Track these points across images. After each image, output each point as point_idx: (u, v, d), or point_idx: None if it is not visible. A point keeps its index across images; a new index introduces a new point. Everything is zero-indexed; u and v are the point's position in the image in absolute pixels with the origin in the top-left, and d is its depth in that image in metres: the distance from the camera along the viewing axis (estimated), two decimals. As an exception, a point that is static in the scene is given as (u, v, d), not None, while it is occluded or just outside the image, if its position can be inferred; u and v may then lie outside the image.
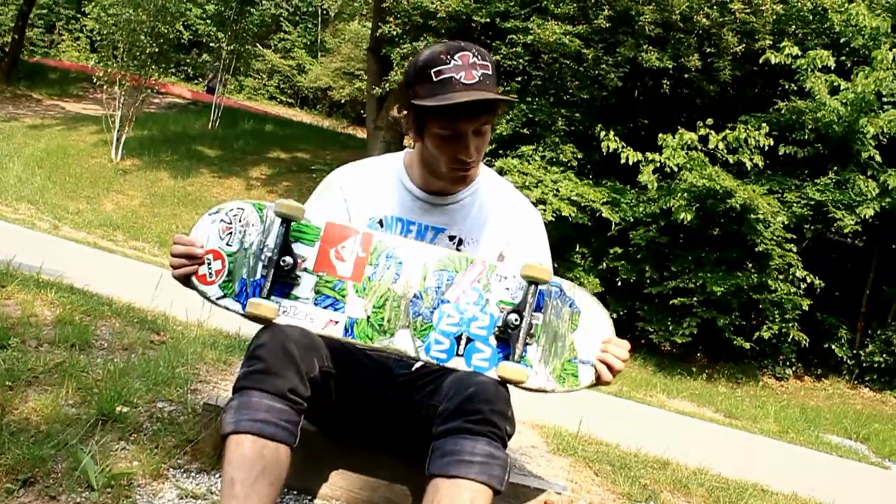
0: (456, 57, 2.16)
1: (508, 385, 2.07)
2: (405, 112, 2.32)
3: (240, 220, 2.15)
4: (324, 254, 2.13)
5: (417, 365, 2.38)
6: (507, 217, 2.40)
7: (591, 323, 2.15)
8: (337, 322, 2.11)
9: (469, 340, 2.10)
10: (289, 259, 2.08)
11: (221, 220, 2.15)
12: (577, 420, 3.92)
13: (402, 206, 2.38)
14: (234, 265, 2.13)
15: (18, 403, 2.59)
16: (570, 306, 2.14)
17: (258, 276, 2.12)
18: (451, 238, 2.37)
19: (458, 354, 2.10)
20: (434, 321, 2.10)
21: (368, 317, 2.11)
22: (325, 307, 2.11)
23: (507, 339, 2.08)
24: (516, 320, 2.06)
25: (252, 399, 2.00)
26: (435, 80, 2.15)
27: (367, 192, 2.41)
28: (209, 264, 2.13)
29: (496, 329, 2.10)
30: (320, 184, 2.48)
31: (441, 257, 2.14)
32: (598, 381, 2.15)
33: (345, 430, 2.42)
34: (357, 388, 2.31)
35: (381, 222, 2.37)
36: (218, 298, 2.13)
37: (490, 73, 2.18)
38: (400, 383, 2.35)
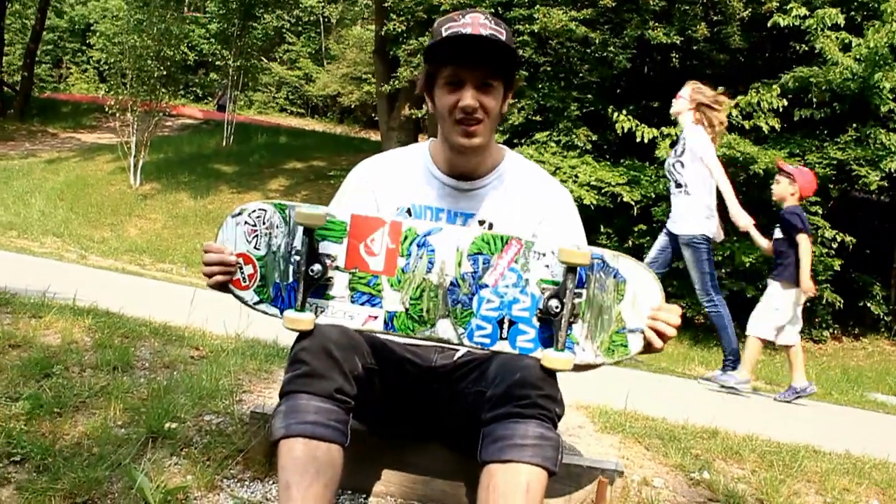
0: (467, 17, 2.18)
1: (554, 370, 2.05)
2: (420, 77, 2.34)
3: (263, 222, 2.15)
4: (353, 250, 2.11)
5: (460, 353, 2.37)
6: (536, 198, 2.39)
7: (637, 290, 2.11)
8: (376, 317, 2.10)
9: (512, 323, 2.08)
10: (317, 267, 2.06)
11: (246, 223, 2.15)
12: (621, 399, 3.90)
13: (430, 194, 2.38)
14: (266, 269, 2.13)
15: (69, 429, 2.62)
16: (615, 276, 2.10)
17: (291, 279, 2.11)
18: (481, 223, 2.35)
19: (501, 338, 2.09)
20: (474, 307, 2.09)
21: (407, 309, 2.10)
22: (363, 304, 2.11)
23: (549, 321, 2.07)
24: (557, 307, 2.03)
25: (300, 402, 2.00)
26: (444, 35, 2.17)
27: (393, 181, 2.40)
28: (241, 269, 2.13)
29: (538, 310, 2.08)
30: (346, 179, 2.48)
31: (475, 238, 2.11)
32: (649, 349, 2.13)
33: (392, 426, 2.42)
34: (401, 382, 2.31)
35: (409, 211, 2.37)
36: (255, 303, 2.13)
37: (502, 34, 2.19)
38: (443, 373, 2.34)
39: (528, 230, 2.34)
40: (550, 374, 2.03)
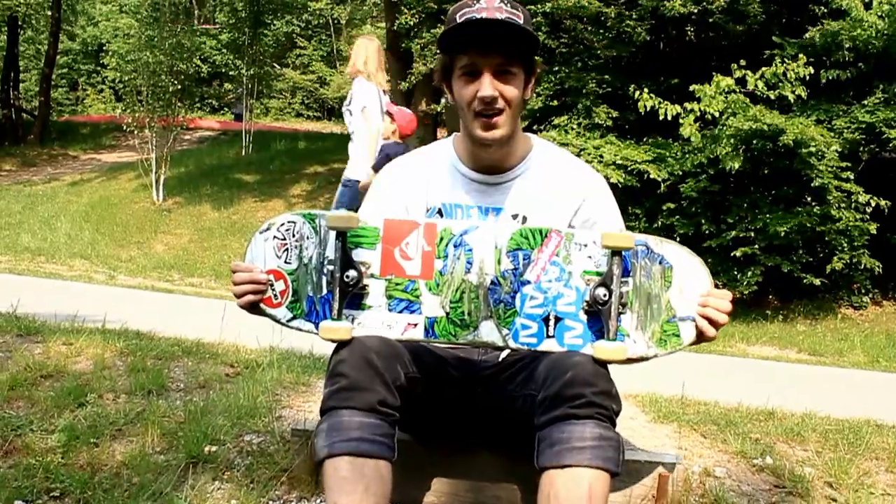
0: (482, 1, 2.09)
1: (605, 364, 1.94)
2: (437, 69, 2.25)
3: (293, 235, 2.04)
4: (388, 255, 2.02)
5: (504, 354, 2.27)
6: (570, 186, 2.27)
7: (685, 277, 2.01)
8: (416, 325, 2.01)
9: (558, 319, 1.98)
10: (352, 273, 1.96)
11: (274, 237, 2.05)
12: (668, 384, 3.79)
13: (459, 191, 2.27)
14: (298, 283, 2.03)
15: (107, 459, 2.55)
16: (661, 263, 2.00)
17: (324, 291, 2.01)
18: (514, 217, 2.25)
19: (548, 336, 1.99)
20: (517, 306, 1.99)
21: (448, 313, 2.00)
22: (401, 311, 2.01)
23: (597, 312, 1.96)
24: (605, 295, 1.93)
25: (342, 419, 1.91)
26: (458, 21, 2.08)
27: (420, 182, 2.30)
28: (272, 286, 2.03)
29: (584, 303, 1.98)
30: (371, 185, 2.38)
31: (513, 234, 2.01)
32: (701, 338, 2.02)
33: (438, 434, 2.33)
34: (445, 389, 2.21)
35: (440, 211, 2.27)
36: (289, 320, 2.03)
37: (519, 17, 2.09)
38: (488, 376, 2.24)
39: (565, 220, 2.24)
40: (603, 368, 1.93)
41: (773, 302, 12.46)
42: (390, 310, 2.01)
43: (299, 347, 4.09)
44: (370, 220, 2.03)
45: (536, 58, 2.18)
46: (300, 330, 2.04)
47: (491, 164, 2.25)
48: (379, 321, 2.00)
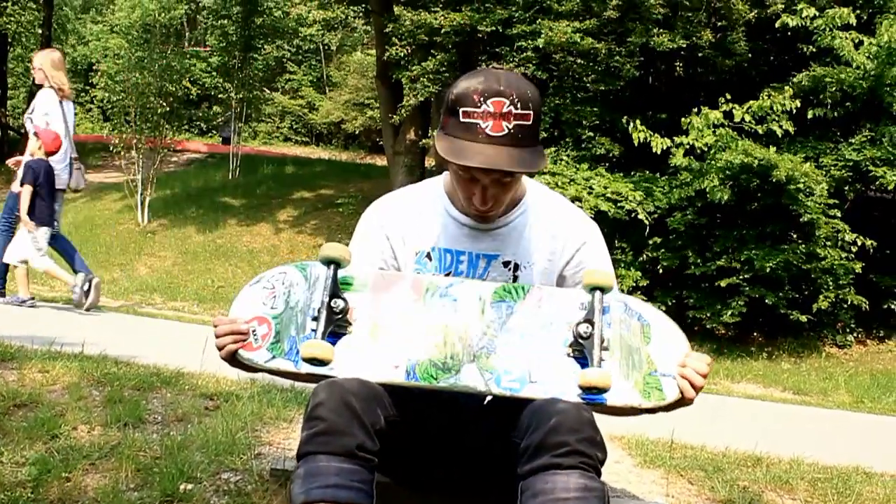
0: (489, 102, 1.98)
1: (591, 411, 1.90)
2: (436, 132, 2.17)
3: (283, 283, 2.01)
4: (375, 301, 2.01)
5: (488, 399, 2.21)
6: (564, 233, 2.23)
7: (663, 336, 1.99)
8: (398, 366, 1.96)
9: (541, 366, 1.94)
10: (340, 302, 1.93)
11: (263, 287, 2.01)
12: (655, 425, 3.74)
13: (450, 236, 2.22)
14: (282, 325, 1.98)
15: (78, 495, 2.48)
16: (639, 319, 1.99)
17: (308, 331, 1.97)
18: (506, 264, 2.20)
19: (531, 381, 1.94)
20: (499, 352, 1.95)
21: (430, 357, 1.96)
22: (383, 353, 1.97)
23: (581, 354, 1.93)
24: (587, 329, 1.91)
25: (320, 464, 1.85)
26: (461, 120, 1.99)
27: (410, 225, 2.25)
28: (254, 332, 1.98)
29: (568, 347, 1.95)
30: (359, 223, 2.32)
31: (496, 289, 2.00)
32: (681, 401, 1.98)
33: (419, 477, 2.27)
34: (426, 433, 2.16)
35: (428, 255, 2.22)
36: (267, 361, 1.98)
37: (527, 124, 2.00)
38: (470, 420, 2.18)
39: (558, 267, 2.22)
40: (588, 416, 1.89)
41: (757, 339, 12.45)
42: (373, 351, 1.96)
43: (280, 381, 4.01)
44: (361, 273, 2.03)
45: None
46: (277, 371, 1.99)
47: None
48: (361, 361, 1.96)
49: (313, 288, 1.99)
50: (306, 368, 1.94)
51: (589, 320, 1.93)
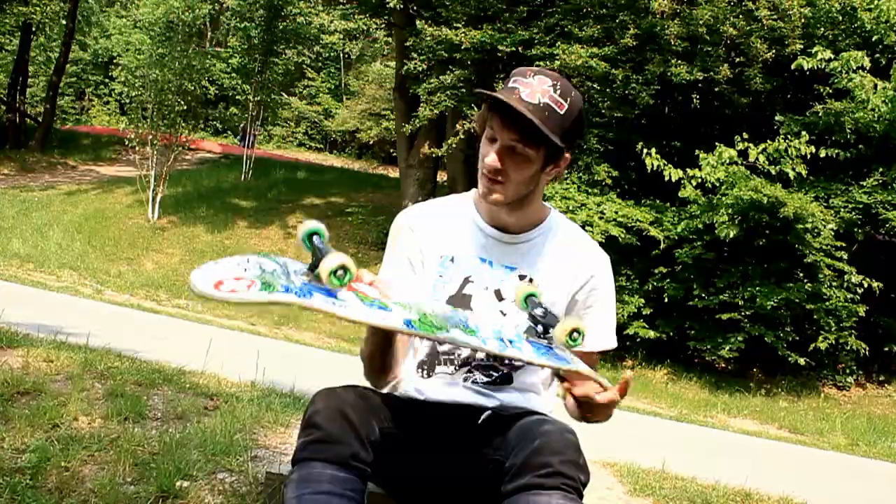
0: (535, 78, 2.09)
1: (576, 434, 1.93)
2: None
3: (245, 270, 1.73)
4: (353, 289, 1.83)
5: (484, 415, 2.25)
6: (580, 260, 2.29)
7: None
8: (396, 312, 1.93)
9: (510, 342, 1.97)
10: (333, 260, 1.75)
11: (238, 264, 1.77)
12: (647, 452, 3.77)
13: (475, 244, 2.28)
14: (264, 280, 1.73)
15: (76, 485, 2.51)
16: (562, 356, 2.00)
17: (299, 284, 1.76)
18: (522, 278, 2.26)
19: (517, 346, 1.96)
20: (476, 331, 1.96)
21: (420, 318, 1.93)
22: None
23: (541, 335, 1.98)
24: (542, 311, 1.98)
25: (313, 471, 1.88)
26: (507, 84, 2.10)
27: (437, 229, 2.31)
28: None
29: (525, 334, 1.99)
30: (391, 228, 2.37)
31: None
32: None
33: (411, 489, 2.30)
34: (420, 446, 2.19)
35: (452, 259, 2.28)
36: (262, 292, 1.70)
37: (559, 111, 2.08)
38: (465, 436, 2.22)
39: (570, 291, 2.26)
40: (572, 439, 1.93)
41: (756, 374, 12.45)
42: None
43: (281, 384, 4.06)
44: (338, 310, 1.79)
45: (566, 154, 2.18)
46: (280, 303, 1.72)
47: (505, 224, 2.27)
48: (356, 308, 1.78)
49: (287, 269, 1.81)
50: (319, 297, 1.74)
51: (540, 304, 1.99)
